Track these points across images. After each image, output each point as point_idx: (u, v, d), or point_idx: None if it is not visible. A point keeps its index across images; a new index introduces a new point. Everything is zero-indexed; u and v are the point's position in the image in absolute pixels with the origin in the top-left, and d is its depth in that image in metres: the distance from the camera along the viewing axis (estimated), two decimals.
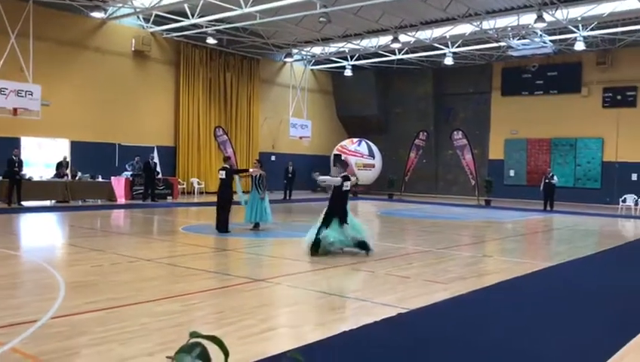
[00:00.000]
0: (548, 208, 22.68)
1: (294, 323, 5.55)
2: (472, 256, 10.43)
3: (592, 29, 22.48)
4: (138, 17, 23.12)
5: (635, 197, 22.92)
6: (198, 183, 25.11)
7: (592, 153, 26.53)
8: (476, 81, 29.80)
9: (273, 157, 28.56)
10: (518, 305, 6.68)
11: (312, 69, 30.95)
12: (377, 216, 19.68)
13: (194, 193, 24.77)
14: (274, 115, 29.01)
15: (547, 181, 22.99)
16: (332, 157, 29.38)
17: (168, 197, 22.18)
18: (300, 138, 28.31)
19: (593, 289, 7.77)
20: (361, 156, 29.90)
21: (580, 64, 26.68)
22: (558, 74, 27.26)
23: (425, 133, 29.51)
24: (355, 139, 30.73)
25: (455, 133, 27.24)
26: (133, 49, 23.16)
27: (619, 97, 25.72)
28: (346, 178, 10.18)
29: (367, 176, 29.84)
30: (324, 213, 10.02)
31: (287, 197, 24.73)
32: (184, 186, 24.56)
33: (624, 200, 23.02)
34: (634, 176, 25.19)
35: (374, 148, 30.57)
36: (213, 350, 1.40)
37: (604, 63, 25.76)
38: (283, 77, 29.47)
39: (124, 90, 23.01)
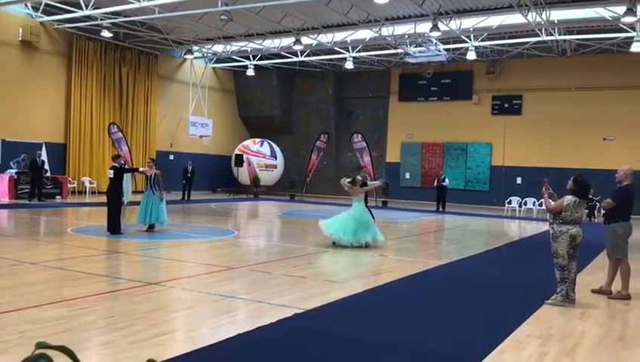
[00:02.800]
0: (440, 209, 23.83)
1: (187, 327, 5.43)
2: (371, 256, 10.73)
3: (482, 40, 23.86)
4: (26, 5, 21.66)
5: (520, 199, 24.58)
6: (90, 182, 23.92)
7: (481, 157, 28.14)
8: (375, 86, 30.68)
9: (171, 157, 27.83)
10: (410, 302, 6.95)
11: (213, 67, 30.48)
12: (278, 216, 19.70)
13: (85, 193, 23.57)
14: (173, 112, 28.25)
15: (439, 183, 24.20)
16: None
17: (57, 197, 20.98)
18: (200, 137, 27.79)
19: (479, 285, 8.23)
20: (264, 157, 29.84)
21: (471, 73, 28.21)
22: (451, 81, 28.66)
23: (326, 135, 29.97)
24: (257, 140, 30.61)
25: (355, 135, 27.89)
26: (20, 39, 21.66)
27: (506, 105, 27.47)
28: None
29: (269, 177, 29.83)
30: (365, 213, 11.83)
31: (186, 198, 24.16)
32: (75, 185, 23.31)
33: (509, 202, 24.63)
34: (519, 180, 26.98)
35: (276, 148, 30.61)
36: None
37: (493, 73, 27.41)
38: (183, 74, 28.78)
39: (10, 82, 21.47)
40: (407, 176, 29.89)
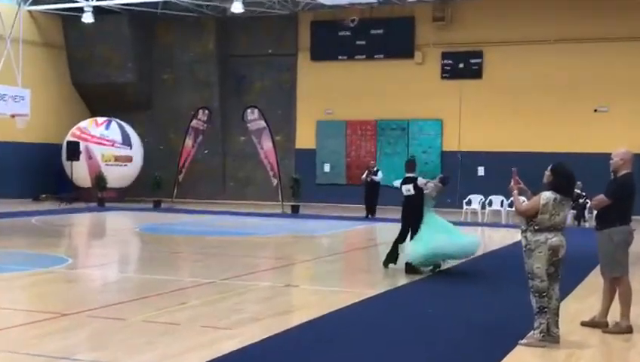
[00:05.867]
0: (371, 215, 24.20)
1: None
2: (272, 287, 10.74)
3: None
4: None
5: (482, 198, 25.16)
6: None
7: (429, 140, 28.87)
8: (277, 39, 30.66)
9: None
10: (332, 354, 7.00)
11: (29, 11, 29.40)
12: (136, 234, 19.36)
13: None
14: None
15: (369, 177, 24.25)
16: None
17: None
18: (12, 116, 26.67)
19: (429, 322, 8.44)
20: (112, 145, 29.10)
21: (412, 20, 28.78)
22: (384, 32, 29.14)
23: (206, 111, 29.60)
24: (101, 119, 29.83)
25: (249, 111, 27.70)
26: None
27: (461, 65, 28.25)
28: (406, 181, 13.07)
29: (120, 175, 29.15)
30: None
31: None
32: None
33: (469, 203, 25.27)
34: (480, 171, 27.89)
35: (131, 132, 29.96)
36: None
37: (442, 19, 28.07)
38: None
39: None
40: (326, 168, 30.17)
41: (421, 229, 12.45)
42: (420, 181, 12.94)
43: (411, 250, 12.27)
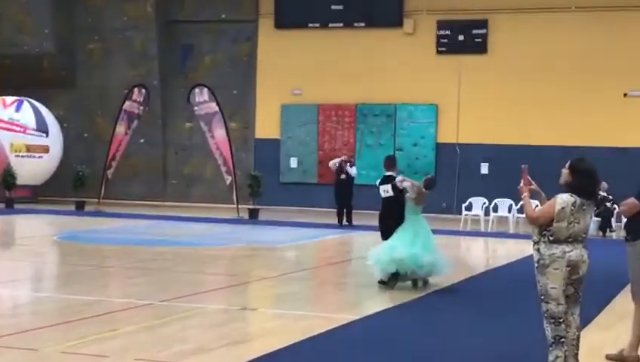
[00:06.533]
0: (346, 222, 24.17)
1: None
2: (225, 310, 10.73)
3: None
4: None
5: (486, 201, 25.30)
6: None
7: (420, 129, 28.96)
8: (233, 1, 30.62)
9: None
10: None
11: None
12: (54, 243, 19.25)
13: None
14: None
15: (342, 173, 23.99)
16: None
17: None
18: None
19: (421, 354, 8.47)
20: (22, 131, 28.97)
21: None
22: None
23: (143, 91, 29.45)
24: (9, 99, 29.65)
25: (197, 91, 27.63)
26: None
27: (461, 37, 28.42)
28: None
29: (33, 169, 28.99)
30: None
31: None
32: None
33: (469, 208, 25.41)
34: (483, 168, 28.09)
35: (48, 116, 29.77)
36: None
37: None
38: None
39: None
40: (293, 163, 30.19)
41: (395, 233, 12.92)
42: (398, 179, 13.26)
43: (373, 251, 13.04)
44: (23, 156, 28.70)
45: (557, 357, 7.22)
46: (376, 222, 14.25)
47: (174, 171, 31.68)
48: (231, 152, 27.01)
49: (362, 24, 29.30)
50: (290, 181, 30.02)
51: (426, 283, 13.04)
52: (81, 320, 9.74)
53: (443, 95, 28.53)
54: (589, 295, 7.75)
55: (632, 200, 8.01)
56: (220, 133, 27.09)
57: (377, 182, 13.65)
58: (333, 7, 29.49)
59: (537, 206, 7.51)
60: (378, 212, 13.97)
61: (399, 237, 12.83)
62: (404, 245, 12.62)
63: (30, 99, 29.82)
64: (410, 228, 12.94)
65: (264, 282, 13.66)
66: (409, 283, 12.95)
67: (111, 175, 28.98)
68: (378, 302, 11.67)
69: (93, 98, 31.26)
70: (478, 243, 21.67)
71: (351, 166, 24.41)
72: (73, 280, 13.74)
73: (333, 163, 24.36)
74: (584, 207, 7.19)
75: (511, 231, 23.91)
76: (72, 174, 28.60)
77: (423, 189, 13.10)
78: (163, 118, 31.15)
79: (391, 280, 12.70)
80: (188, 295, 11.76)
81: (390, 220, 13.19)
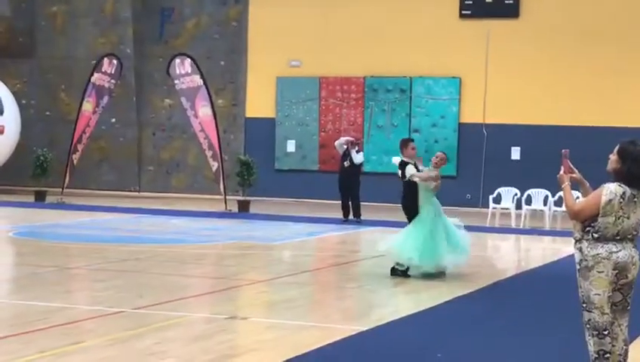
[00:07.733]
0: (352, 216, 24.06)
1: None
2: (209, 319, 10.76)
3: None
4: None
5: (517, 192, 25.36)
6: None
7: (441, 107, 29.00)
8: None
9: None
10: None
11: None
12: (9, 240, 19.39)
13: None
14: None
15: (346, 159, 23.78)
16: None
17: None
18: None
19: None
20: None
21: None
22: None
23: (114, 62, 29.51)
24: None
25: (178, 62, 27.66)
26: None
27: (489, 0, 28.43)
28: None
29: None
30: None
31: None
32: None
33: (497, 200, 25.45)
34: (515, 153, 28.11)
35: (4, 91, 29.83)
36: None
37: None
38: None
39: None
40: (290, 147, 30.21)
41: (412, 225, 14.00)
42: (408, 173, 14.14)
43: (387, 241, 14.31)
44: None
45: None
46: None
47: (151, 156, 31.70)
48: (217, 134, 27.00)
49: None
50: (286, 168, 30.09)
51: (442, 273, 14.00)
52: (41, 331, 9.72)
53: (467, 67, 28.55)
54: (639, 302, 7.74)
55: None
56: (204, 111, 27.06)
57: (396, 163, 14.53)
58: None
59: (579, 198, 7.47)
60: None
61: (413, 233, 13.72)
62: (416, 246, 13.62)
63: None
64: (427, 224, 13.72)
65: (256, 286, 13.69)
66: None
67: (77, 160, 29.05)
68: (389, 311, 11.66)
69: (56, 70, 31.33)
70: (508, 242, 21.66)
71: (357, 151, 24.13)
72: (32, 283, 13.72)
73: (339, 143, 24.22)
74: (635, 200, 7.14)
75: (547, 227, 24.02)
76: (31, 159, 28.65)
77: (433, 172, 13.88)
78: (138, 93, 31.16)
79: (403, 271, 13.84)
80: (166, 301, 11.79)
81: (408, 206, 14.20)
